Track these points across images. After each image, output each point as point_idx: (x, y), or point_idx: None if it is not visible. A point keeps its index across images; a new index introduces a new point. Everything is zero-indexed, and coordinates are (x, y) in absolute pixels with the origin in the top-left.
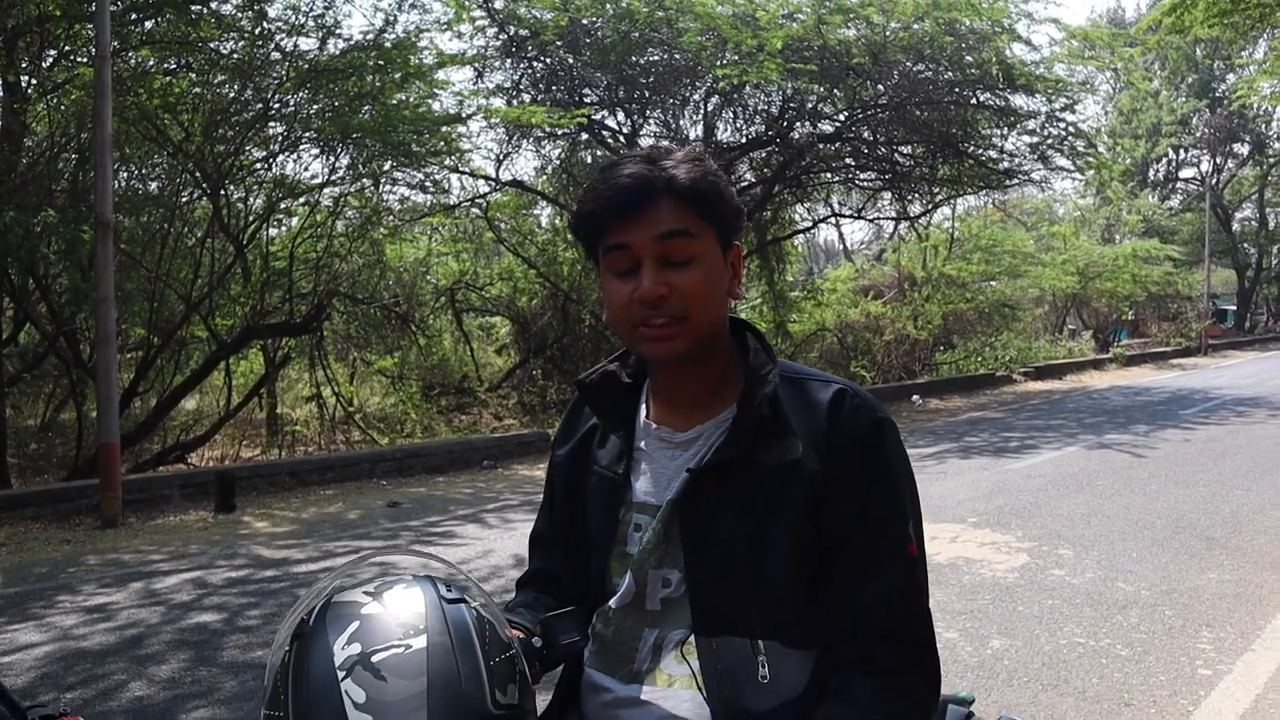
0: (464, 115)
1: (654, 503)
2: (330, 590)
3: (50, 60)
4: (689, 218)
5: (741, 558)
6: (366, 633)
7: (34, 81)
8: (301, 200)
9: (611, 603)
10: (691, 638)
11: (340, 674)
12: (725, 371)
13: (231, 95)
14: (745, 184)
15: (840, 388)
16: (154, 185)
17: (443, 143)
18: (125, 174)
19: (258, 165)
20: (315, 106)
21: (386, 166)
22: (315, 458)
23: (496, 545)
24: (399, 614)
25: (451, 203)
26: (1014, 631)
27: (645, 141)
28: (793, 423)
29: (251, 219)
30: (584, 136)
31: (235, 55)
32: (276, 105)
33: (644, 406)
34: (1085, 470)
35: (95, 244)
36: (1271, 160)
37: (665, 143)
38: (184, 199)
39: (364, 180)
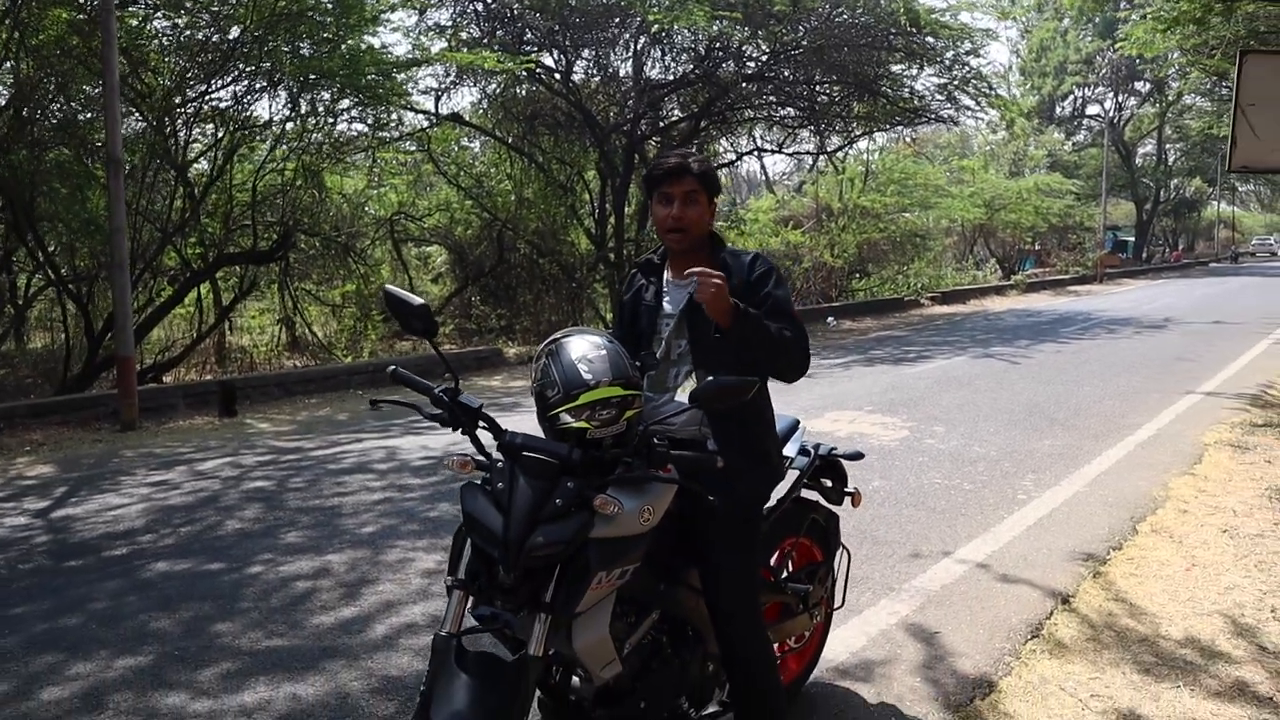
0: (422, 59)
1: (674, 313)
2: (558, 338)
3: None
4: (695, 184)
5: (712, 329)
6: (582, 348)
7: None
8: (263, 138)
9: (657, 356)
10: (692, 369)
11: (578, 362)
12: (706, 254)
13: (199, 36)
14: (673, 119)
15: (756, 253)
16: (85, 116)
17: (389, 82)
18: (60, 106)
19: (219, 103)
20: (269, 47)
21: (344, 104)
22: (298, 370)
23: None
24: (593, 341)
25: (394, 136)
26: (890, 475)
27: (577, 78)
28: (732, 271)
29: (218, 155)
30: (522, 74)
31: None
32: (240, 45)
33: (666, 272)
34: (968, 374)
35: (109, 179)
36: (1170, 99)
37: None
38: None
39: (325, 118)
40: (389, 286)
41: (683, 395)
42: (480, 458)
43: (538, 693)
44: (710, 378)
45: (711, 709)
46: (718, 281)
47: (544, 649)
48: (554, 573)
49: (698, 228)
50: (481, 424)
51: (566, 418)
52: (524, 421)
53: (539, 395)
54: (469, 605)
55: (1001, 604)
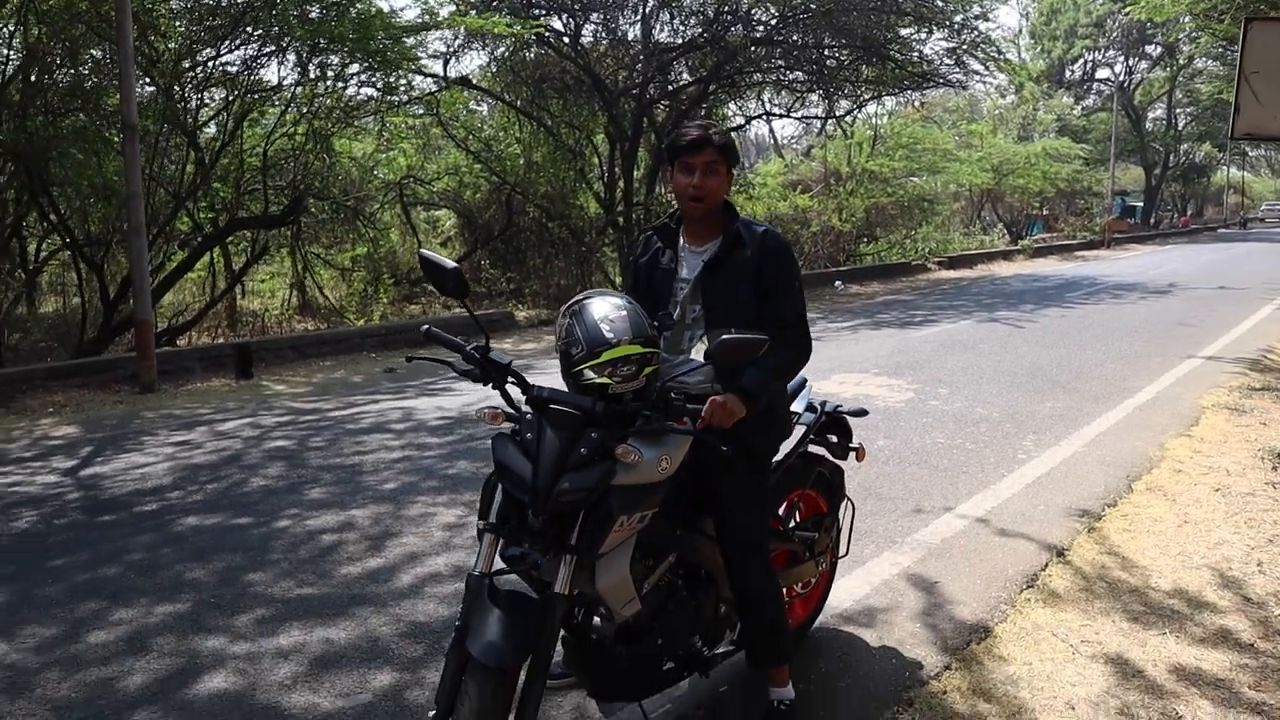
0: (431, 23)
1: (689, 278)
2: (580, 299)
3: None
4: (717, 156)
5: (726, 296)
6: (604, 308)
7: None
8: (273, 103)
9: (674, 318)
10: (705, 333)
11: (600, 322)
12: (719, 222)
13: (208, 1)
14: (682, 83)
15: (768, 227)
16: (92, 82)
17: (398, 46)
18: (69, 72)
19: (228, 67)
20: (277, 11)
21: (354, 69)
22: (312, 334)
23: (492, 394)
24: (614, 303)
25: (403, 100)
26: (895, 435)
27: (586, 41)
28: (746, 242)
29: (228, 119)
30: (531, 38)
31: None
32: (249, 10)
33: (681, 238)
34: (972, 337)
35: (125, 145)
36: (1181, 63)
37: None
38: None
39: (334, 83)
40: (424, 250)
41: (696, 355)
42: (510, 410)
43: (561, 631)
44: (724, 335)
45: (722, 648)
46: (726, 413)
47: (569, 588)
48: (579, 517)
49: (715, 197)
50: (510, 379)
51: (590, 374)
52: (539, 381)
53: (564, 353)
54: (499, 548)
55: (999, 556)
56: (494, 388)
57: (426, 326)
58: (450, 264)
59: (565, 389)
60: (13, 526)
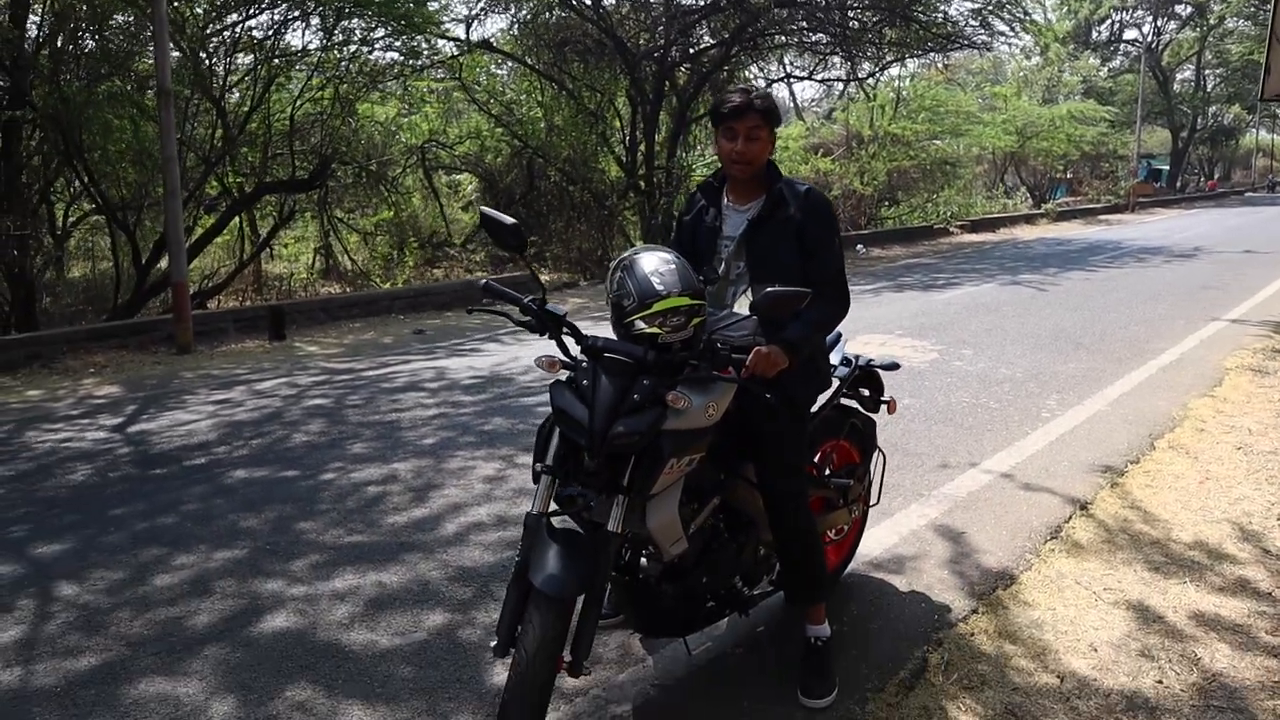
0: None
1: (733, 235)
2: (631, 254)
3: None
4: (759, 121)
5: (769, 254)
6: (653, 262)
7: None
8: (299, 69)
9: (719, 273)
10: (748, 287)
11: (650, 275)
12: (762, 181)
13: None
14: (704, 45)
15: (810, 186)
16: (113, 46)
17: (423, 10)
18: (95, 37)
19: (254, 32)
20: None
21: (379, 34)
22: (341, 296)
23: (520, 354)
24: (663, 257)
25: (426, 64)
26: (920, 394)
27: (608, 4)
28: (789, 201)
29: (256, 85)
30: (553, 0)
31: None
32: None
33: (725, 196)
34: (996, 300)
35: (160, 110)
36: (1211, 23)
37: (751, 84)
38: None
39: (360, 47)
40: (484, 208)
41: (740, 308)
42: (565, 359)
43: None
44: (767, 289)
45: (761, 589)
46: (770, 364)
47: (621, 527)
48: (630, 460)
49: (759, 160)
50: (565, 329)
51: (640, 324)
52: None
53: (615, 304)
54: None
55: (1024, 509)
56: (550, 337)
57: (485, 281)
58: (509, 220)
59: (615, 339)
60: (69, 479)
